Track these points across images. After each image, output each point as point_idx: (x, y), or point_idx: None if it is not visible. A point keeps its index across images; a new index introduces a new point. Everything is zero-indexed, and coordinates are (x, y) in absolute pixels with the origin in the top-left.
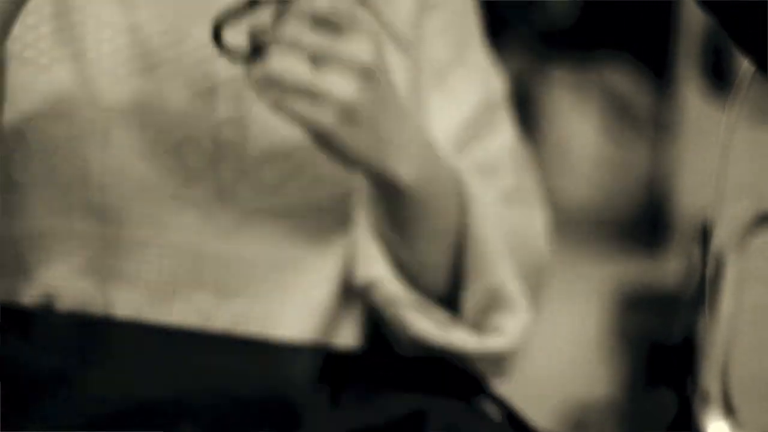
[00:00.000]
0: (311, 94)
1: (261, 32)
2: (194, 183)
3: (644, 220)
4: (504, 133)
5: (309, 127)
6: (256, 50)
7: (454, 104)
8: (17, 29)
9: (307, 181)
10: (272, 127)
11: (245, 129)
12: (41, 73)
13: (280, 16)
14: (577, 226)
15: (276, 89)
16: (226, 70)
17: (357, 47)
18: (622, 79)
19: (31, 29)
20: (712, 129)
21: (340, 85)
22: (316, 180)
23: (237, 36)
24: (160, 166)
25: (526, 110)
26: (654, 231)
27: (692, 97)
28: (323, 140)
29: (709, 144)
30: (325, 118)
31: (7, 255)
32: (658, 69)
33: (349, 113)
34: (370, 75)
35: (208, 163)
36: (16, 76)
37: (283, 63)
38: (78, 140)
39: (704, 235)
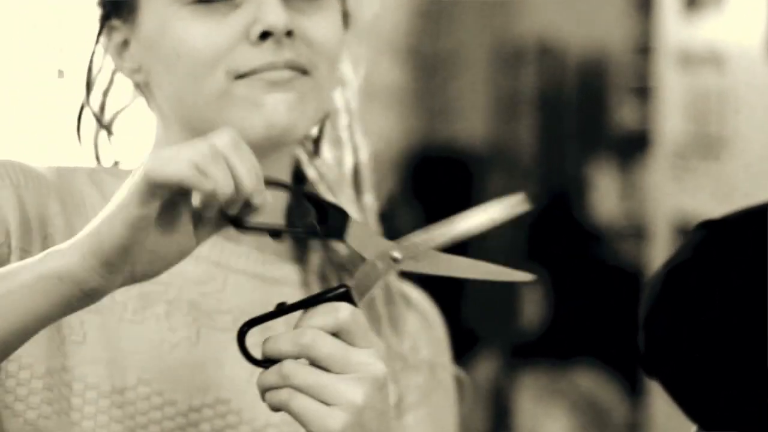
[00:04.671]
0: (323, 396)
1: (276, 339)
2: None
3: None
4: None
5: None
6: (269, 359)
7: None
8: (10, 382)
9: None
10: None
11: None
12: (27, 426)
13: (299, 324)
14: None
15: (287, 390)
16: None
17: (372, 360)
18: (593, 384)
19: (24, 384)
20: (680, 429)
21: (353, 391)
22: None
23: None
24: None
25: (499, 402)
26: None
27: (660, 400)
28: None
29: None
30: (334, 421)
31: None
32: (627, 374)
33: (357, 419)
34: (381, 387)
35: None
36: (5, 425)
37: (297, 365)
38: None
39: None
